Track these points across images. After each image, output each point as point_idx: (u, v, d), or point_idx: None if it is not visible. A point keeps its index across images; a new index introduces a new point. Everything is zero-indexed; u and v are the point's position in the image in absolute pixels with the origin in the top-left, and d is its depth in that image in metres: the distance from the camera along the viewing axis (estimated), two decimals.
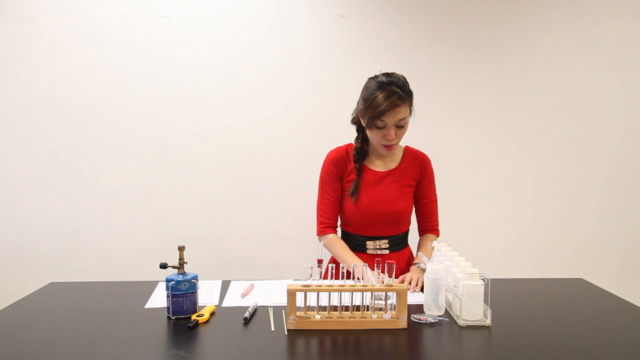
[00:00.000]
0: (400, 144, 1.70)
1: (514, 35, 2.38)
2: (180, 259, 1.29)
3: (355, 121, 1.64)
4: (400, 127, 1.53)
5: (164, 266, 1.30)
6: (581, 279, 1.65)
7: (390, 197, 1.61)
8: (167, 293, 1.25)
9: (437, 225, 1.72)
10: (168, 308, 1.25)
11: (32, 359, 1.03)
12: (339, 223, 1.70)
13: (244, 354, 1.07)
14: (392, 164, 1.66)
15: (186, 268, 1.31)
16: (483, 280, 1.22)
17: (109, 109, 2.29)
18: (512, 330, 1.18)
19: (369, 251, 1.64)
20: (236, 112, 2.31)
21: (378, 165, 1.65)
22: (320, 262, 1.26)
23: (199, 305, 1.33)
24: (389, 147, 1.56)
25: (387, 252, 1.64)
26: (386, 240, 1.64)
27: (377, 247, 1.64)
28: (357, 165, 1.62)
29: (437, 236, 1.71)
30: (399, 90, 1.48)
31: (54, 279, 1.67)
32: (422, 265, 1.56)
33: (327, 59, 2.33)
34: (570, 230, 2.47)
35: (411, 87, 1.52)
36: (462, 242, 2.39)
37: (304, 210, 2.34)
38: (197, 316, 1.23)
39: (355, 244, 1.66)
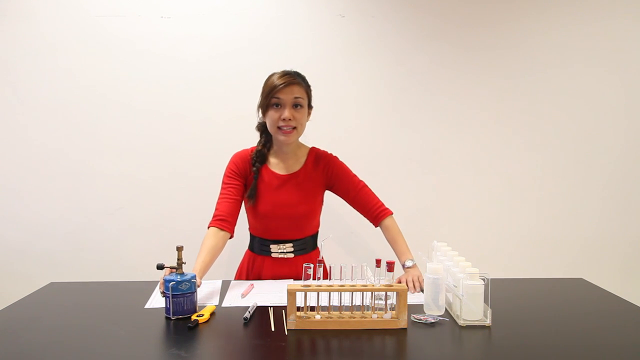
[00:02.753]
0: (306, 144, 1.69)
1: (514, 35, 2.38)
2: (178, 259, 1.29)
3: (259, 127, 1.66)
4: (296, 107, 1.53)
5: (160, 267, 1.30)
6: (581, 279, 1.65)
7: (291, 201, 1.59)
8: (167, 294, 1.25)
9: (383, 204, 1.67)
10: (167, 309, 1.25)
11: (32, 359, 1.03)
12: (244, 227, 1.69)
13: (244, 354, 1.07)
14: (296, 166, 1.64)
15: (187, 268, 1.31)
16: (483, 280, 1.22)
17: (108, 108, 2.29)
18: (512, 330, 1.18)
19: (273, 254, 1.63)
20: (236, 112, 2.31)
21: (280, 168, 1.63)
22: (320, 262, 1.27)
23: (199, 305, 1.33)
24: (287, 132, 1.54)
25: (291, 255, 1.63)
26: (290, 244, 1.63)
27: (281, 250, 1.62)
28: (254, 167, 1.61)
29: (391, 213, 1.67)
30: (293, 74, 1.55)
31: (54, 279, 1.67)
32: (408, 263, 1.55)
33: (326, 59, 2.33)
34: (570, 230, 2.46)
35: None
36: (462, 242, 2.40)
37: None
38: (197, 316, 1.23)
39: (260, 247, 1.65)
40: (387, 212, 1.66)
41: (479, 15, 2.36)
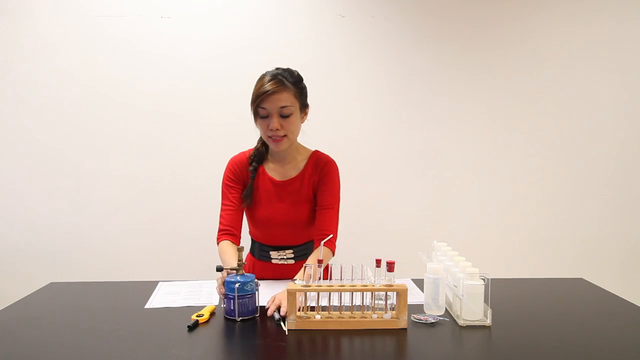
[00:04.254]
0: (308, 147, 1.63)
1: (515, 35, 2.38)
2: (239, 260, 1.28)
3: None
4: (285, 116, 1.46)
5: (220, 269, 1.29)
6: (581, 279, 1.64)
7: (289, 208, 1.55)
8: (231, 295, 1.23)
9: (330, 233, 1.50)
10: (231, 311, 1.23)
11: (32, 359, 1.03)
12: (247, 231, 1.66)
13: (244, 354, 1.07)
14: (293, 172, 1.57)
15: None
16: (483, 280, 1.22)
17: (108, 108, 2.29)
18: (512, 330, 1.18)
19: (273, 261, 1.60)
20: (237, 112, 2.30)
21: (277, 174, 1.58)
22: (320, 262, 1.26)
23: (199, 305, 1.33)
24: (277, 140, 1.48)
25: (292, 262, 1.59)
26: (291, 250, 1.59)
27: (281, 257, 1.59)
28: (251, 167, 1.57)
29: (329, 248, 1.50)
30: (282, 78, 1.47)
31: (54, 279, 1.67)
32: (298, 282, 1.31)
33: (327, 59, 2.33)
34: (570, 231, 2.46)
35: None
36: (462, 242, 2.39)
37: None
38: (197, 316, 1.22)
39: (260, 253, 1.63)
40: (324, 239, 1.49)
41: (479, 15, 2.36)
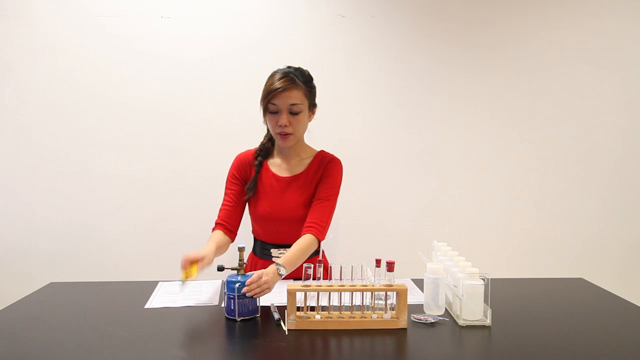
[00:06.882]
0: (314, 147, 1.65)
1: (514, 35, 2.38)
2: (240, 260, 1.28)
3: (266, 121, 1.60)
4: (294, 114, 1.49)
5: (221, 268, 1.30)
6: (581, 279, 1.65)
7: (291, 205, 1.57)
8: (231, 295, 1.23)
9: (319, 225, 1.52)
10: (231, 310, 1.23)
11: (32, 359, 1.03)
12: (250, 230, 1.68)
13: (244, 354, 1.07)
14: (298, 169, 1.60)
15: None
16: (483, 280, 1.22)
17: (108, 108, 2.29)
18: (512, 330, 1.18)
19: (274, 259, 1.57)
20: (237, 112, 2.31)
21: (282, 170, 1.60)
22: (320, 262, 1.27)
23: (199, 305, 1.33)
24: (285, 136, 1.51)
25: None
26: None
27: (282, 254, 1.53)
28: (256, 160, 1.60)
29: (317, 238, 1.50)
30: (294, 77, 1.49)
31: (54, 279, 1.67)
32: (281, 270, 1.34)
33: (327, 59, 2.33)
34: (571, 230, 2.46)
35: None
36: (462, 242, 2.40)
37: None
38: (185, 276, 1.26)
39: (261, 251, 1.64)
40: (313, 231, 1.51)
41: (479, 15, 2.36)
